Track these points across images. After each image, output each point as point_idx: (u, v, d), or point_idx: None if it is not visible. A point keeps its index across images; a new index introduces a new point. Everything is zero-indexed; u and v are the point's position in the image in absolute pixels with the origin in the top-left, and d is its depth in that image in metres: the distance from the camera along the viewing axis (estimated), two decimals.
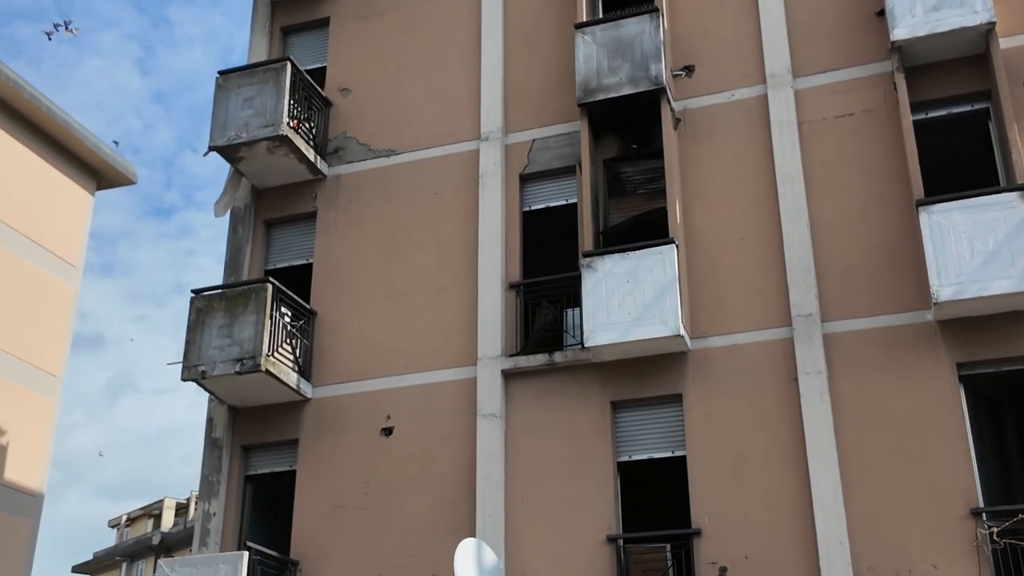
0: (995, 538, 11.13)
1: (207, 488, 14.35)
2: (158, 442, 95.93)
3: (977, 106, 13.05)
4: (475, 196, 14.67)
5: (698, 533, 12.14)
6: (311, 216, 15.58)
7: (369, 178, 15.44)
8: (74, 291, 17.01)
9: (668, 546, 12.24)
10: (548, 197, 14.60)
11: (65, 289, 16.76)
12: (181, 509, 53.03)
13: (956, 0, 12.69)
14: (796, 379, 12.37)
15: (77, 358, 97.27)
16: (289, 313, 14.36)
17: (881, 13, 13.46)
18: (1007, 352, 11.83)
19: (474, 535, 12.68)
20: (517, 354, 13.63)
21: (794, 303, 12.69)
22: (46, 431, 15.82)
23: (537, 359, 13.45)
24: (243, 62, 16.66)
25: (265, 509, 14.69)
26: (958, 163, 13.59)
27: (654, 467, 13.04)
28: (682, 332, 12.50)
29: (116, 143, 17.29)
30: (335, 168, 15.70)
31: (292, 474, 14.23)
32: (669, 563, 12.14)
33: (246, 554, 12.81)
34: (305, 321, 14.67)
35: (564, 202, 14.45)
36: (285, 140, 14.95)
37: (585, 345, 12.74)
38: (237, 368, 13.63)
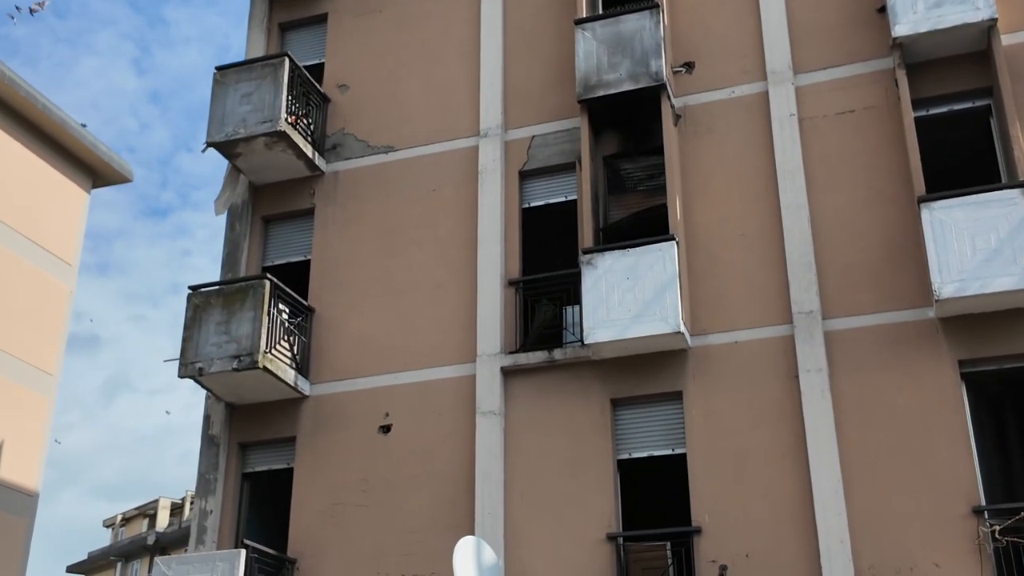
0: (997, 536, 11.08)
1: (204, 486, 14.27)
2: (154, 442, 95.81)
3: (979, 103, 13.00)
4: (474, 193, 14.60)
5: (698, 531, 12.08)
6: (309, 213, 15.49)
7: (367, 174, 15.36)
8: (70, 289, 16.93)
9: (668, 544, 12.18)
10: (548, 194, 14.53)
11: (61, 287, 16.68)
12: (176, 509, 52.95)
13: None
14: (797, 376, 12.31)
15: (72, 358, 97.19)
16: (287, 310, 14.28)
17: (882, 9, 13.42)
18: (1009, 349, 11.77)
19: (473, 533, 12.62)
20: (516, 351, 13.56)
21: (795, 300, 12.64)
22: (41, 430, 15.73)
23: (537, 356, 13.39)
24: (240, 61, 16.55)
25: (262, 507, 14.61)
26: (959, 160, 13.56)
27: (654, 465, 12.98)
28: (682, 329, 12.44)
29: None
30: (333, 164, 15.62)
31: (290, 472, 14.15)
32: (669, 561, 12.08)
33: (243, 552, 12.73)
34: (303, 318, 14.59)
35: (563, 199, 14.39)
36: (283, 136, 14.88)
37: (585, 342, 12.68)
38: (234, 365, 13.55)
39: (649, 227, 13.59)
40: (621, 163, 14.22)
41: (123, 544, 52.22)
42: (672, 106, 13.85)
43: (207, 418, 14.62)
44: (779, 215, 13.10)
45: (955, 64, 13.02)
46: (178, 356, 13.99)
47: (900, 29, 12.82)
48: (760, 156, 13.47)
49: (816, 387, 12.18)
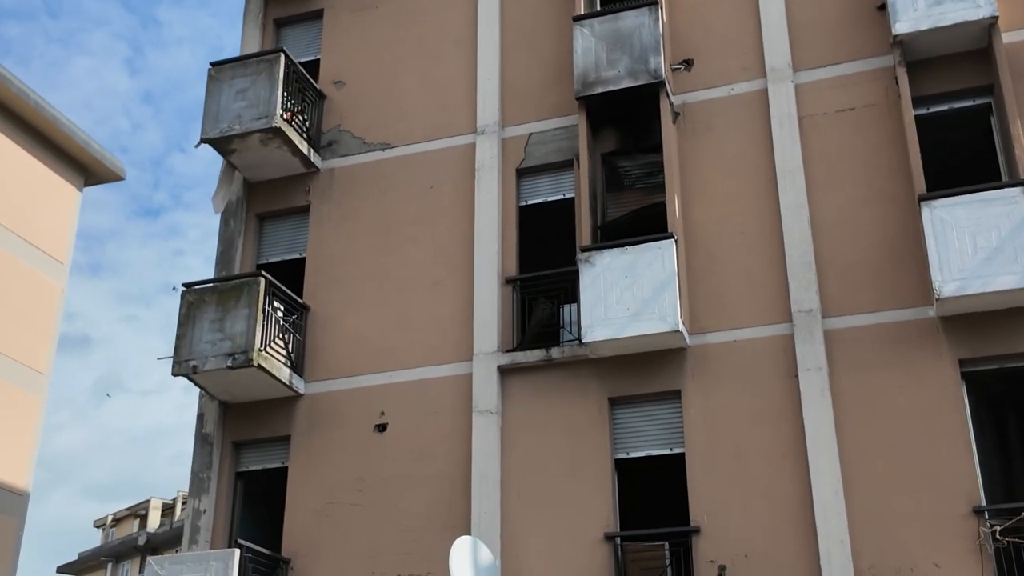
0: (997, 536, 11.01)
1: (197, 485, 14.13)
2: (145, 443, 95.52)
3: (979, 101, 12.94)
4: (471, 190, 14.49)
5: (697, 531, 11.99)
6: (304, 210, 15.38)
7: (363, 172, 15.25)
8: (61, 288, 16.77)
9: (666, 544, 12.08)
10: (545, 191, 14.44)
11: (52, 286, 16.52)
12: (168, 509, 52.77)
13: None
14: (796, 375, 12.23)
15: (63, 358, 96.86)
16: (282, 307, 14.16)
17: (883, 7, 13.35)
18: (1010, 348, 11.71)
19: (470, 533, 12.51)
20: (513, 350, 13.46)
21: (794, 299, 12.56)
22: (32, 429, 15.58)
23: (534, 355, 13.28)
24: (235, 56, 16.42)
25: (256, 506, 14.48)
26: (960, 158, 13.49)
27: (652, 464, 12.89)
28: (681, 328, 12.35)
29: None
30: (329, 161, 15.51)
31: (284, 471, 14.03)
32: (667, 561, 11.99)
33: (237, 551, 12.60)
34: (298, 316, 14.47)
35: (561, 196, 14.30)
36: (278, 132, 14.75)
37: (583, 340, 12.58)
38: (229, 363, 13.42)
39: (647, 225, 13.50)
40: (619, 161, 14.13)
41: (114, 544, 52.01)
42: (671, 103, 13.76)
43: (201, 417, 14.49)
44: (779, 213, 13.02)
45: (956, 62, 12.96)
46: (172, 354, 13.86)
47: (900, 26, 12.75)
48: (760, 154, 13.40)
49: (816, 386, 12.10)
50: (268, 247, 15.55)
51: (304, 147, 15.21)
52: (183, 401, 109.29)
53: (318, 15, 16.61)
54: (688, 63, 14.21)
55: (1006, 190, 11.76)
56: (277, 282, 14.14)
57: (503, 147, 14.61)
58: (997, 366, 11.83)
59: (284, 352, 14.02)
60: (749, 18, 14.12)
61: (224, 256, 15.35)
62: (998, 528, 11.03)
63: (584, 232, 13.22)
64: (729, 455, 12.21)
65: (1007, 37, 12.71)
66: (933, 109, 13.04)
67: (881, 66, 13.28)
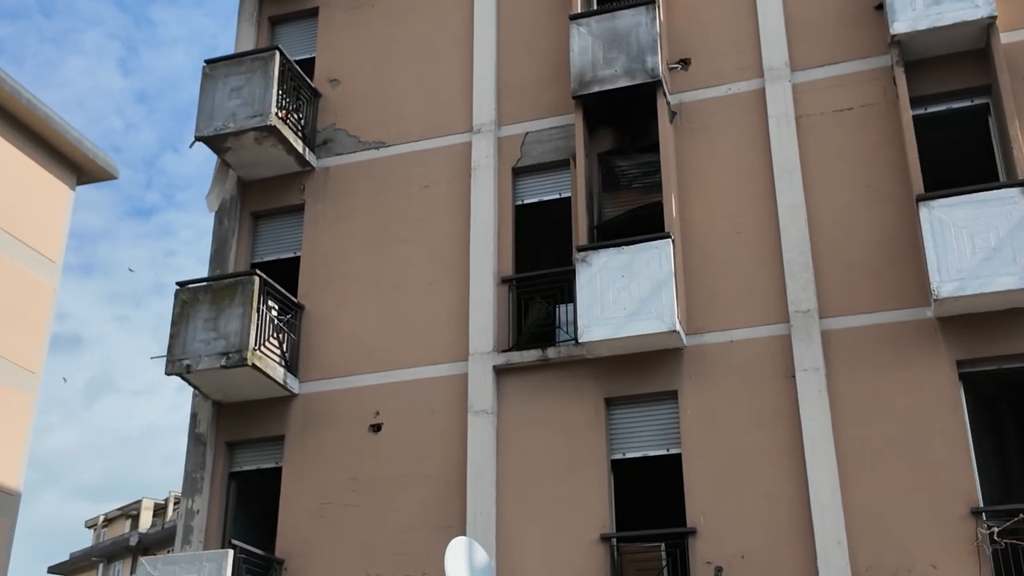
0: (995, 538, 10.97)
1: (190, 485, 14.04)
2: (137, 443, 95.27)
3: (977, 101, 12.91)
4: (467, 189, 14.42)
5: (693, 532, 11.93)
6: (299, 209, 15.29)
7: (358, 170, 15.17)
8: (53, 287, 16.65)
9: (663, 545, 12.02)
10: (541, 191, 14.37)
11: (44, 285, 16.40)
12: (159, 510, 52.58)
13: None
14: (794, 376, 12.18)
15: (55, 358, 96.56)
16: (276, 307, 14.08)
17: (880, 7, 13.31)
18: (1008, 350, 11.67)
19: (465, 533, 12.44)
20: (509, 350, 13.39)
21: (792, 299, 12.51)
22: (24, 428, 15.46)
23: (530, 355, 13.21)
24: (229, 54, 16.32)
25: (250, 506, 14.40)
26: (958, 159, 13.46)
27: (649, 465, 12.84)
28: (678, 328, 12.30)
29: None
30: (324, 160, 15.42)
31: (278, 471, 13.94)
32: (664, 563, 11.93)
33: (231, 552, 12.52)
34: (292, 315, 14.39)
35: (557, 196, 14.24)
36: (273, 130, 14.66)
37: (579, 340, 12.52)
38: (223, 362, 13.33)
39: (644, 225, 13.45)
40: (616, 160, 14.07)
41: (105, 545, 51.80)
42: (668, 103, 13.70)
43: (194, 416, 14.40)
44: (776, 213, 12.97)
45: (954, 62, 12.92)
46: (165, 353, 13.76)
47: (899, 26, 12.72)
48: (757, 154, 13.35)
49: (813, 387, 12.05)
50: (262, 246, 15.46)
51: (299, 145, 15.12)
52: (175, 402, 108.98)
53: (313, 13, 16.53)
54: (685, 62, 14.15)
55: (1004, 190, 11.72)
56: (271, 281, 14.06)
57: (499, 146, 14.54)
58: (995, 367, 11.79)
59: (278, 351, 13.93)
60: (746, 17, 14.07)
61: (218, 255, 15.26)
62: (996, 529, 10.99)
63: (581, 232, 13.16)
64: (726, 456, 12.15)
65: (1005, 37, 12.68)
66: (931, 109, 13.01)
67: (879, 66, 13.25)
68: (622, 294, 12.49)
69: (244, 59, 15.23)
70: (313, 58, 16.22)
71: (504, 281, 13.79)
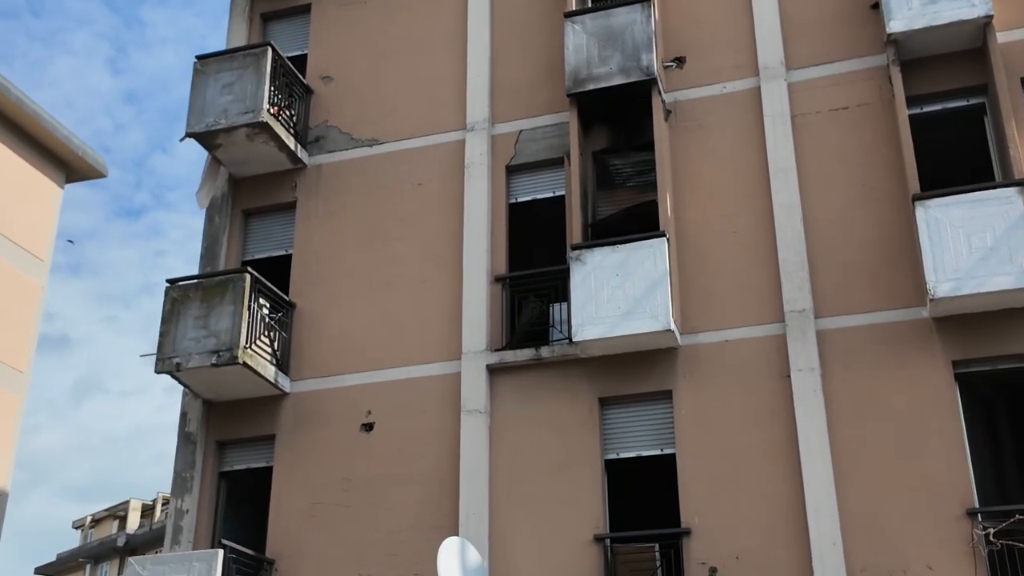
0: (991, 539, 10.92)
1: (180, 484, 13.90)
2: (125, 444, 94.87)
3: (973, 100, 12.87)
4: (460, 187, 14.33)
5: (687, 533, 11.86)
6: (291, 206, 15.18)
7: (351, 168, 15.06)
8: (41, 286, 16.49)
9: (657, 546, 11.94)
10: (535, 189, 14.29)
11: (32, 283, 16.24)
12: (147, 510, 52.31)
13: None
14: (789, 376, 12.12)
15: (42, 358, 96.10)
16: (267, 305, 13.96)
17: (876, 6, 13.28)
18: (1003, 350, 11.63)
19: (457, 533, 12.34)
20: (503, 349, 13.30)
21: (787, 299, 12.45)
22: (11, 428, 15.30)
23: (523, 354, 13.12)
24: (221, 50, 16.18)
25: (241, 506, 14.27)
26: (954, 158, 13.43)
27: (643, 465, 12.76)
28: (672, 327, 12.22)
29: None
30: (316, 157, 15.31)
31: (269, 470, 13.82)
32: (658, 563, 11.85)
33: (221, 552, 12.39)
34: (284, 313, 14.27)
35: (551, 194, 14.16)
36: (265, 127, 14.55)
37: (573, 339, 12.44)
38: (213, 360, 13.21)
39: (639, 223, 13.38)
40: (610, 158, 14.00)
41: (92, 545, 51.50)
42: (663, 101, 13.64)
43: (184, 415, 14.27)
44: (771, 212, 12.91)
45: (950, 61, 12.89)
46: (154, 351, 13.63)
47: (895, 25, 12.67)
48: (752, 153, 13.29)
49: (808, 387, 11.99)
50: (254, 243, 15.34)
51: (291, 142, 15.01)
52: (163, 402, 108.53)
53: (305, 9, 16.42)
54: (680, 60, 14.09)
55: (1001, 190, 11.69)
56: (263, 279, 13.94)
57: (493, 144, 14.45)
58: (991, 367, 11.75)
59: (269, 350, 13.81)
60: (742, 16, 14.01)
61: (209, 252, 15.13)
62: (991, 530, 10.94)
63: (575, 230, 13.08)
64: (720, 456, 12.08)
65: (1002, 37, 12.65)
66: (927, 108, 12.97)
67: (875, 65, 13.20)
68: (616, 293, 12.41)
69: (236, 55, 15.11)
70: (305, 55, 16.12)
71: (497, 280, 13.70)
